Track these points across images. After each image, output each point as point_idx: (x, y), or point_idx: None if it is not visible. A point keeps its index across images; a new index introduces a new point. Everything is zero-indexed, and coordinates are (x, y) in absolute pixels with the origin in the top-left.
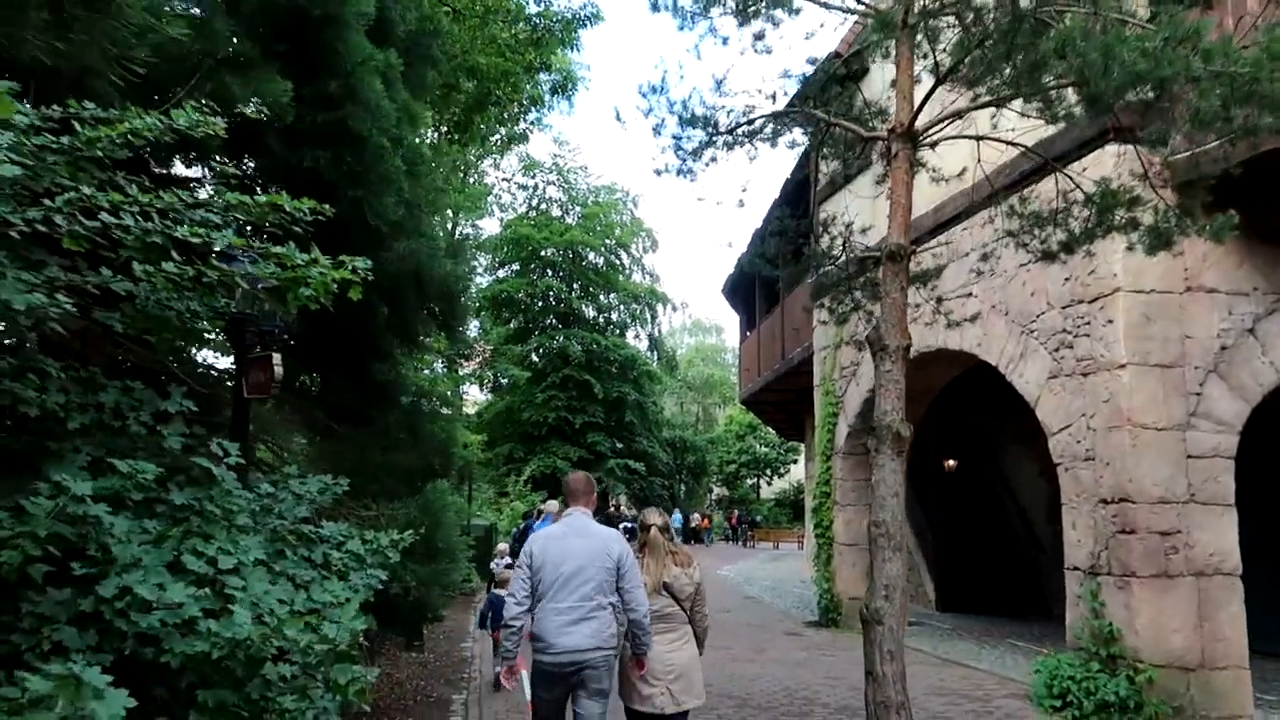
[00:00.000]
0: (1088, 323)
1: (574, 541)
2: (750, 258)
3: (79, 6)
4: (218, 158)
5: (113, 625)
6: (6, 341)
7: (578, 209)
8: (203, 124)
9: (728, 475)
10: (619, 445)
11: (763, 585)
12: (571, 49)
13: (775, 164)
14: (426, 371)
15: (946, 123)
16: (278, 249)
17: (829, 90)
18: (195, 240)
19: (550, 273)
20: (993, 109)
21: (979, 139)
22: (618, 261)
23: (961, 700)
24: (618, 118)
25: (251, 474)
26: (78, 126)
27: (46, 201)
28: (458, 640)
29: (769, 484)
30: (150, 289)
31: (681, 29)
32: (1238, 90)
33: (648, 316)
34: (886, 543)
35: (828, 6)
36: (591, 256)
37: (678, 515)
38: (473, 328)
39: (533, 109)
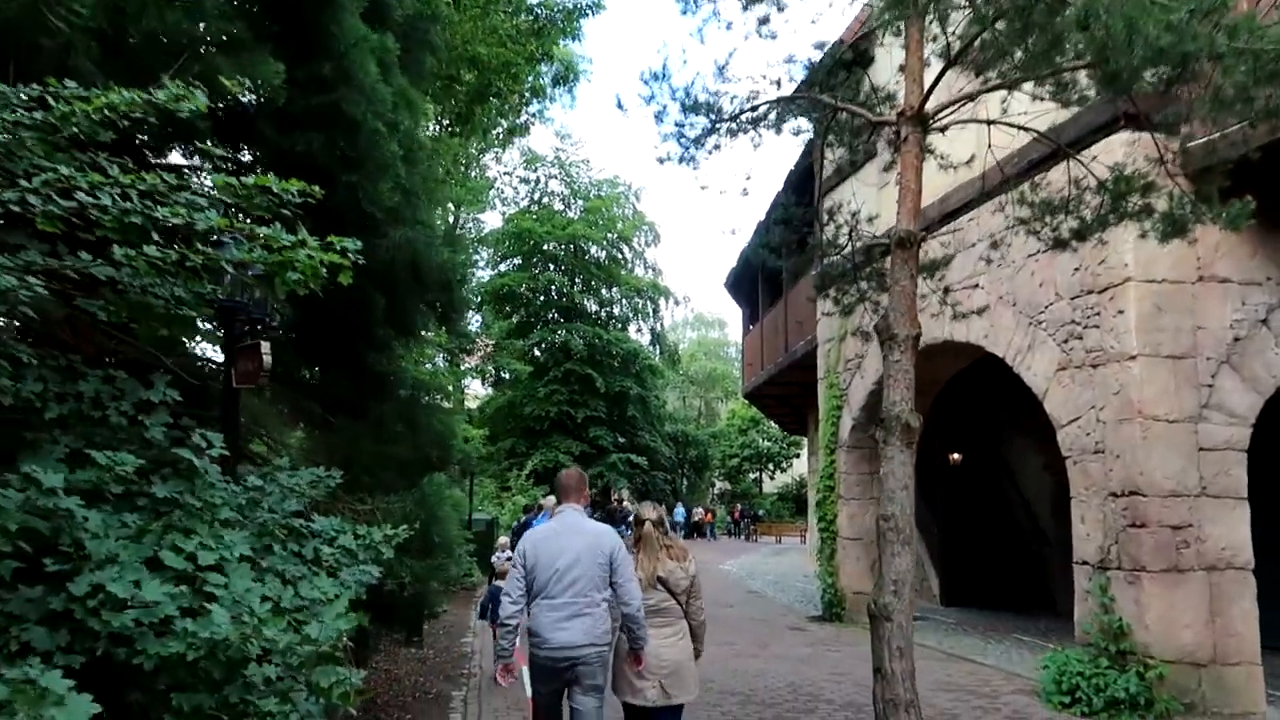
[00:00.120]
0: (1097, 313)
1: (566, 539)
2: (754, 247)
3: None
4: (209, 143)
5: (84, 625)
6: None
7: (580, 202)
8: (185, 98)
9: (730, 470)
10: (621, 440)
11: (765, 580)
12: (573, 39)
13: (779, 155)
14: (428, 366)
15: (957, 106)
16: (263, 229)
17: (835, 76)
18: (177, 221)
19: (552, 266)
20: (1002, 96)
21: (990, 123)
22: (620, 255)
23: (968, 696)
24: (619, 105)
25: (242, 467)
26: (52, 103)
27: (23, 182)
28: (458, 636)
29: (771, 478)
30: (132, 274)
31: (685, 13)
32: (1261, 69)
33: (650, 310)
34: (895, 536)
35: None
36: (594, 250)
37: (680, 510)
38: (474, 322)
39: (534, 100)
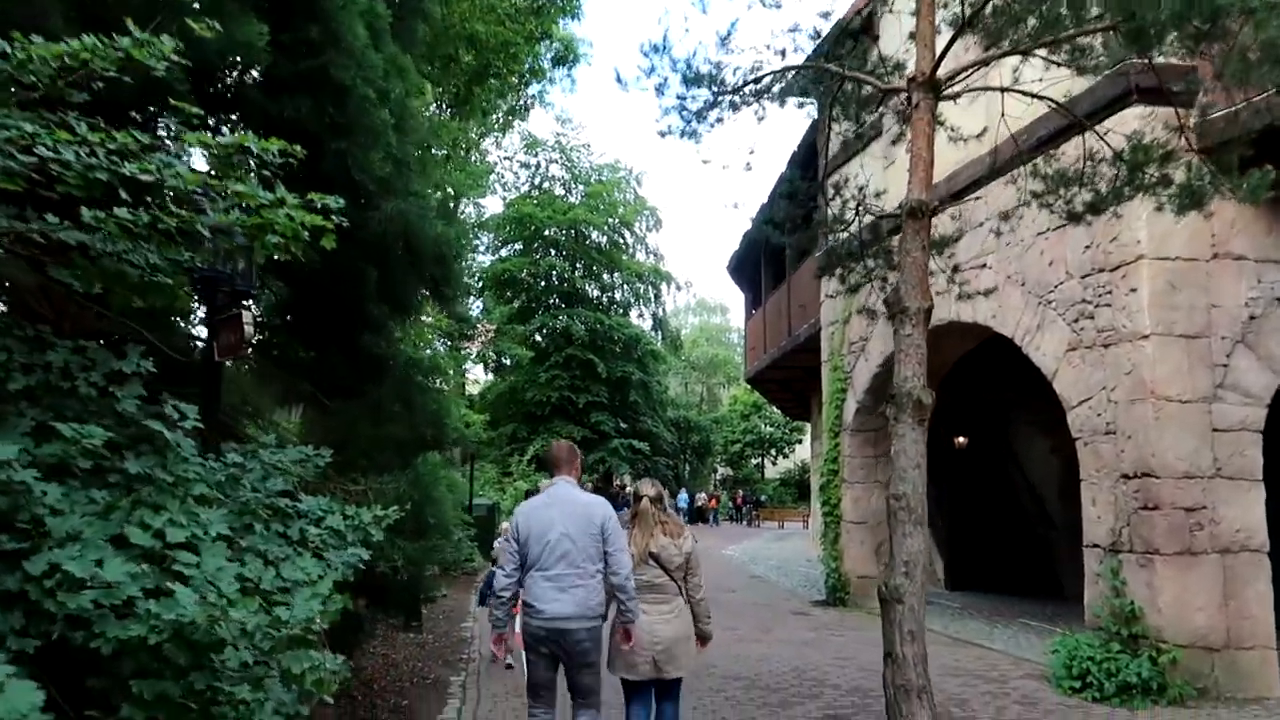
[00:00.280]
0: (1109, 292)
1: (558, 510)
2: (758, 224)
3: None
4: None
5: (40, 606)
6: None
7: (581, 187)
8: (148, 44)
9: (732, 455)
10: (623, 425)
11: (768, 564)
12: (572, 18)
13: (783, 131)
14: (428, 351)
15: (970, 71)
16: (238, 186)
17: (842, 45)
18: (147, 179)
19: (553, 252)
20: (1014, 68)
21: (1003, 90)
22: (621, 240)
23: (976, 681)
24: (618, 79)
25: (227, 446)
26: (9, 50)
27: None
28: (457, 621)
29: (774, 464)
30: (103, 239)
31: None
32: None
33: (651, 296)
34: (907, 516)
35: None
36: (595, 235)
37: (684, 495)
38: (475, 307)
39: (533, 81)
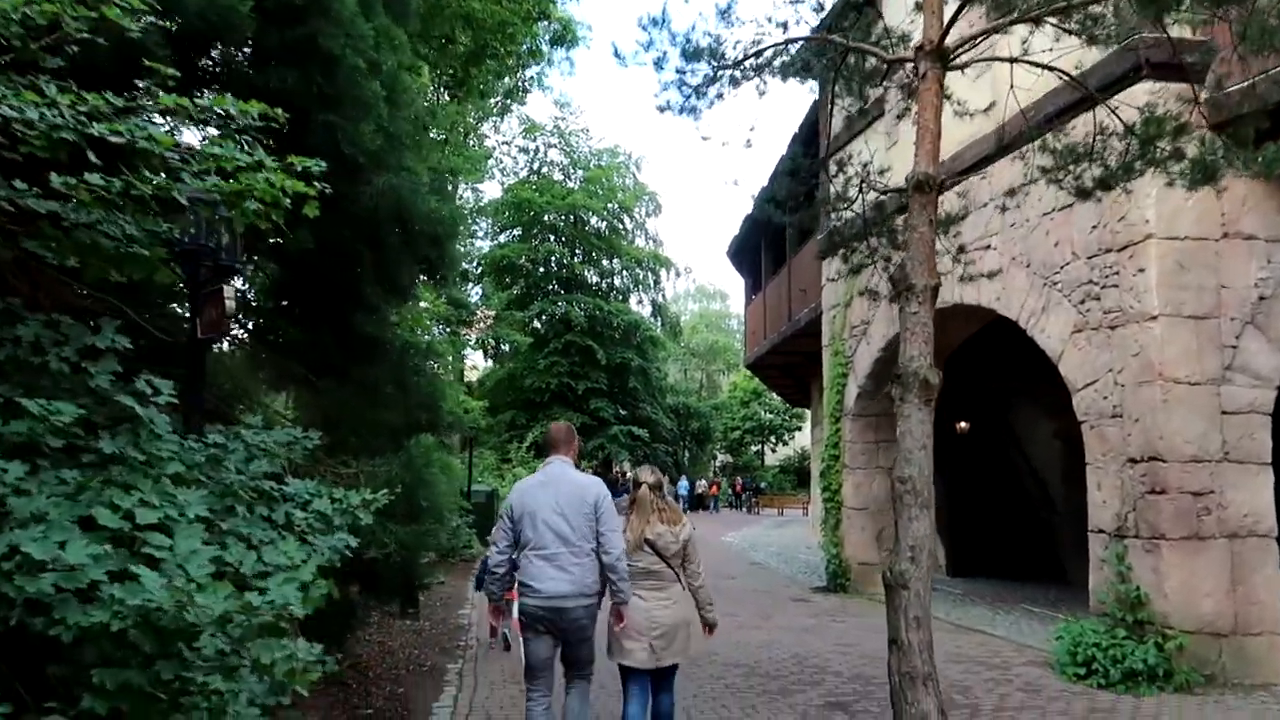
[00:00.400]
0: (1116, 272)
1: (553, 489)
2: (760, 202)
3: None
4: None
5: None
6: None
7: (580, 172)
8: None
9: (732, 442)
10: (622, 412)
11: (768, 551)
12: None
13: (784, 109)
14: (426, 337)
15: (977, 40)
16: (214, 148)
17: (846, 17)
18: (116, 140)
19: (552, 238)
20: (1023, 39)
21: (1012, 61)
22: (620, 226)
23: (979, 668)
24: (616, 54)
25: (212, 427)
26: None
27: None
28: (455, 607)
29: (773, 451)
30: (75, 208)
31: None
32: None
33: (651, 281)
34: (913, 500)
35: None
36: (594, 221)
37: (684, 482)
38: (475, 293)
39: (531, 62)
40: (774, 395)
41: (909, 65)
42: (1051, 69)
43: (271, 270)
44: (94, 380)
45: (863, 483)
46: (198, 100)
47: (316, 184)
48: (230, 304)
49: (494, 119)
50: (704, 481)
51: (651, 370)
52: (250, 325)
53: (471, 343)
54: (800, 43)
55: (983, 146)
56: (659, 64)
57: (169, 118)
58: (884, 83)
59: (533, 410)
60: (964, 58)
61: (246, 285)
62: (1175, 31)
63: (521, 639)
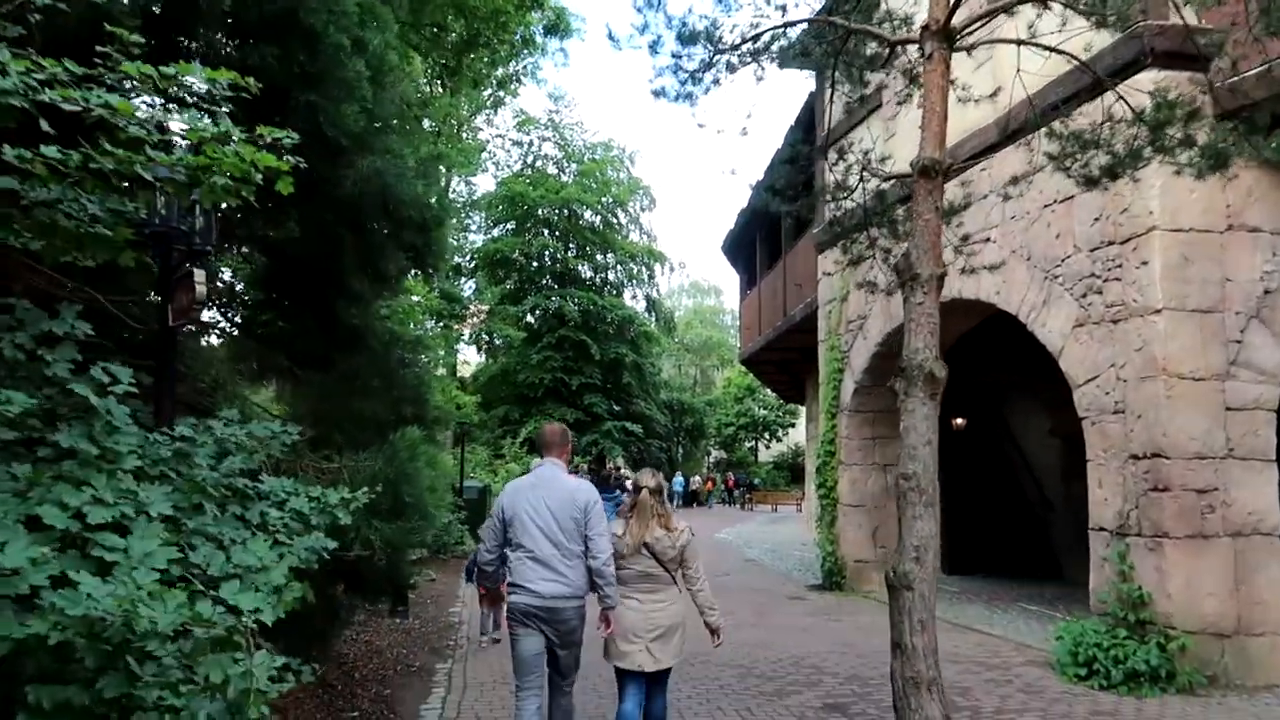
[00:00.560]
0: (1119, 265)
1: (543, 491)
2: (759, 189)
3: None
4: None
5: None
6: None
7: (574, 166)
8: None
9: (726, 438)
10: (616, 407)
11: (763, 548)
12: None
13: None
14: (419, 331)
15: (984, 20)
16: (182, 116)
17: (845, 1)
18: (69, 107)
19: (546, 231)
20: (1029, 23)
21: (1019, 43)
22: (615, 220)
23: (978, 668)
24: (610, 37)
25: (185, 420)
26: None
27: None
28: (446, 605)
29: (767, 447)
30: (32, 185)
31: None
32: None
33: (645, 276)
34: (918, 497)
35: None
36: (588, 215)
37: (679, 479)
38: (468, 288)
39: (525, 52)
40: (768, 391)
41: (912, 50)
42: (1060, 52)
43: (256, 259)
44: (51, 369)
45: (859, 479)
46: (163, 70)
47: (290, 158)
48: (201, 289)
49: (487, 111)
50: (698, 478)
51: (645, 366)
52: (235, 316)
53: (465, 338)
54: (800, 25)
55: (983, 138)
56: (654, 48)
57: (132, 87)
58: (886, 68)
59: (526, 405)
60: (971, 38)
61: (234, 275)
62: (1179, 16)
63: (511, 637)
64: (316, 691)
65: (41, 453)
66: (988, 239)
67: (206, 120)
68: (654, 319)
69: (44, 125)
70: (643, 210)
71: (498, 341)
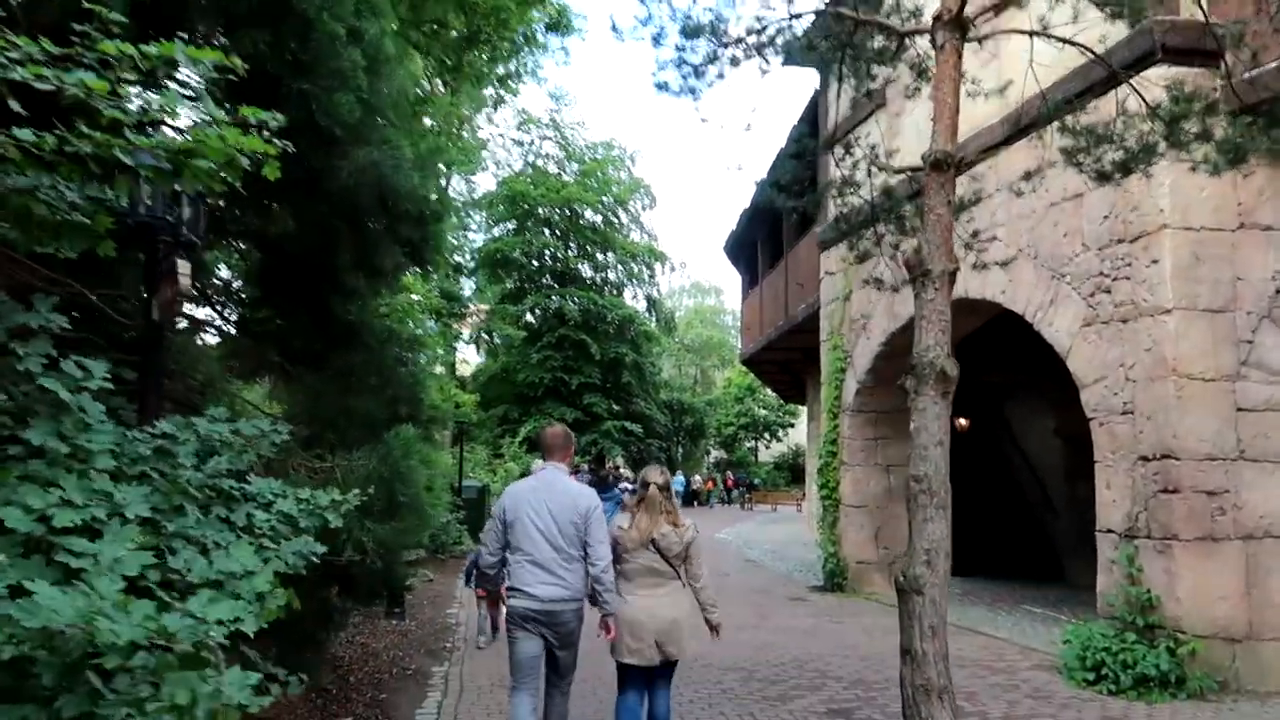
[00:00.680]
0: (1128, 264)
1: (544, 495)
2: (764, 185)
3: None
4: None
5: None
6: None
7: (575, 165)
8: None
9: (726, 438)
10: (616, 407)
11: (763, 549)
12: None
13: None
14: (419, 330)
15: (997, 9)
16: (153, 95)
17: None
18: (41, 86)
19: (546, 231)
20: (1041, 17)
21: (1032, 34)
22: (615, 219)
23: (984, 672)
24: (613, 28)
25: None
26: None
27: None
28: (443, 607)
29: (767, 447)
30: (7, 171)
31: None
32: None
33: (645, 276)
34: (929, 500)
35: None
36: (589, 214)
37: (680, 478)
38: (467, 287)
39: (526, 49)
40: (768, 391)
41: (920, 44)
42: (1073, 43)
43: (250, 253)
44: (23, 363)
45: (861, 480)
46: (144, 49)
47: (278, 142)
48: (185, 281)
49: (488, 110)
50: (699, 477)
51: (646, 365)
52: (229, 313)
53: (464, 337)
54: (806, 17)
55: (989, 136)
56: (657, 40)
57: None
58: (893, 62)
59: (525, 405)
60: (984, 29)
61: (229, 271)
62: (1188, 10)
63: (509, 639)
64: (310, 696)
65: (12, 451)
66: (994, 237)
67: (184, 100)
68: (654, 319)
69: (15, 105)
70: (644, 209)
71: (497, 341)
